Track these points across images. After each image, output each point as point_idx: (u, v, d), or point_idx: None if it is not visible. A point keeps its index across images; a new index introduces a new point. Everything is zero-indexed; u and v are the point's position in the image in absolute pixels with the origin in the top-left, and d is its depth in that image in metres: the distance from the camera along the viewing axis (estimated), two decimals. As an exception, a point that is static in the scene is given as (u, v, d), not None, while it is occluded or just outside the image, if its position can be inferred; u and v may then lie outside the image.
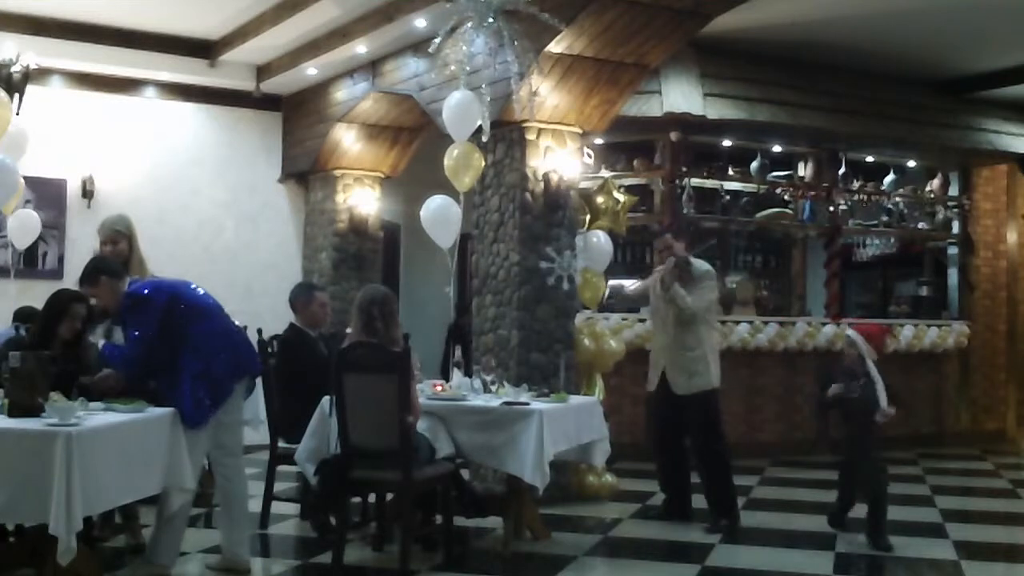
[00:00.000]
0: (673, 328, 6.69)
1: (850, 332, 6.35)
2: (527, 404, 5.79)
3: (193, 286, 5.31)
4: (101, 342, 5.52)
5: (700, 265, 6.81)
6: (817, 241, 10.73)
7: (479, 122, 6.71)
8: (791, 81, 9.98)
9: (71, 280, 5.46)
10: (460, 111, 6.68)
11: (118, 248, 5.84)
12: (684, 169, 9.65)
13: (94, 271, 5.07)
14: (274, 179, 10.78)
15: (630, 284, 7.49)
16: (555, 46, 6.99)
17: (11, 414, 4.41)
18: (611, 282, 7.41)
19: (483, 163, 6.96)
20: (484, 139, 6.82)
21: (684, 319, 6.62)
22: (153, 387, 5.04)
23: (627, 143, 9.77)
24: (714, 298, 6.85)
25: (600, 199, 7.82)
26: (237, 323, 5.52)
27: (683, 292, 6.59)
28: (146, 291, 5.05)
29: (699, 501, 6.80)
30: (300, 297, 6.72)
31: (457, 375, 6.46)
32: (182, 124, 10.35)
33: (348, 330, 5.85)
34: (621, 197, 7.89)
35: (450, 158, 6.77)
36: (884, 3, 8.42)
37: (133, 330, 5.00)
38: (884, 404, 6.10)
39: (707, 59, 9.55)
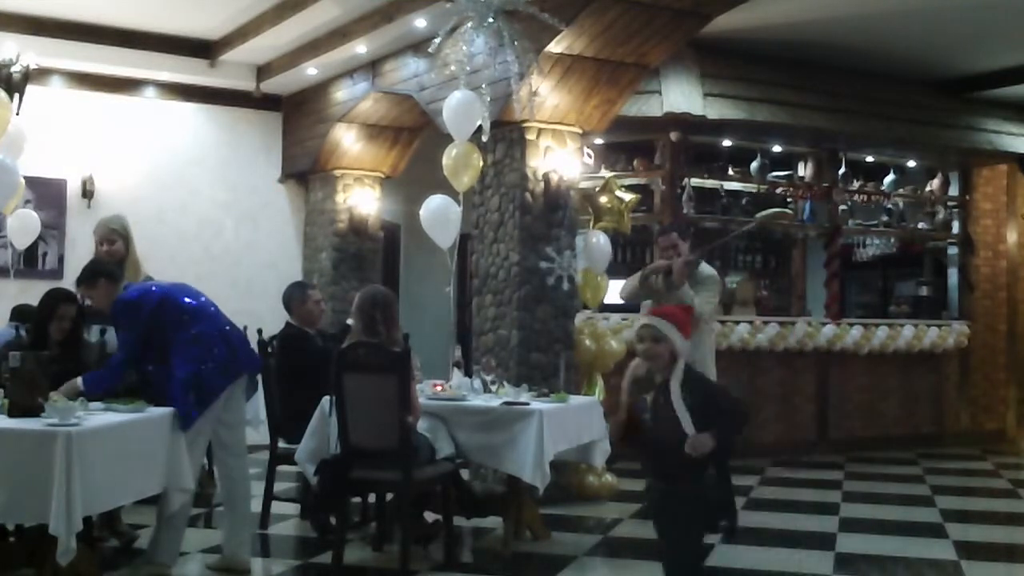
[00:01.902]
0: None
1: (652, 320, 4.12)
2: (527, 404, 5.79)
3: (186, 289, 5.32)
4: (95, 337, 5.53)
5: (704, 268, 6.73)
6: (817, 241, 10.73)
7: (479, 122, 6.72)
8: (791, 81, 9.98)
9: (71, 280, 5.47)
10: (461, 111, 6.67)
11: (114, 248, 5.84)
12: (684, 169, 9.65)
13: (93, 273, 5.08)
14: (274, 179, 10.78)
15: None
16: (555, 46, 6.99)
17: (11, 414, 4.41)
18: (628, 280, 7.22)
19: (482, 163, 6.96)
20: (484, 139, 6.82)
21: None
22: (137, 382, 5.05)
23: (627, 143, 9.77)
24: (716, 302, 6.76)
25: (604, 199, 7.81)
26: (237, 324, 5.51)
27: (692, 294, 6.50)
28: (134, 296, 5.07)
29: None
30: (294, 296, 6.72)
31: (457, 375, 6.46)
32: (182, 124, 10.35)
33: (349, 321, 5.86)
34: (625, 196, 7.88)
35: (449, 158, 6.76)
36: (884, 3, 8.42)
37: (121, 334, 5.04)
38: (690, 429, 3.91)
39: (707, 59, 9.55)
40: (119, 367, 5.02)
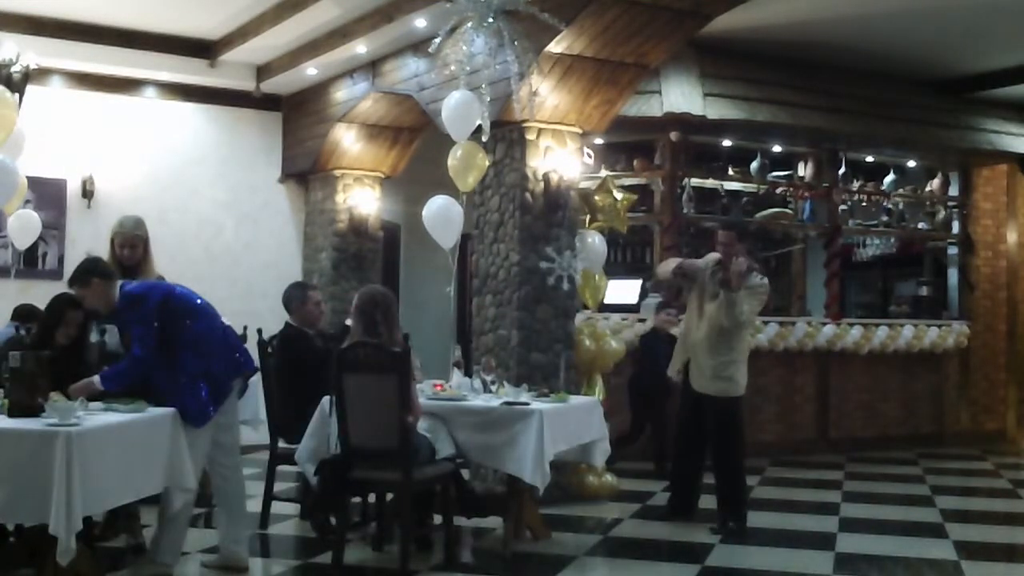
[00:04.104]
0: (710, 330, 6.54)
1: None
2: (527, 404, 5.79)
3: (186, 289, 5.32)
4: (95, 337, 5.52)
5: (755, 275, 6.64)
6: (817, 241, 10.73)
7: (478, 122, 6.71)
8: (791, 81, 9.98)
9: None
10: (459, 111, 6.67)
11: (136, 253, 5.82)
12: (684, 169, 9.65)
13: (85, 273, 5.06)
14: (274, 179, 10.78)
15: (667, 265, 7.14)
16: (555, 46, 6.99)
17: (11, 414, 4.41)
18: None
19: (487, 163, 6.95)
20: (484, 139, 6.82)
21: (729, 326, 6.49)
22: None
23: (627, 143, 9.77)
24: (759, 308, 6.71)
25: (598, 198, 7.81)
26: (237, 324, 5.51)
27: (743, 300, 6.44)
28: (141, 291, 5.06)
29: (705, 501, 6.80)
30: (294, 297, 6.71)
31: (457, 375, 6.46)
32: (182, 124, 10.34)
33: (348, 321, 5.86)
34: (620, 195, 7.89)
35: (454, 158, 6.76)
36: (884, 3, 8.42)
37: (136, 328, 5.00)
38: None
39: (707, 59, 9.55)
40: (138, 363, 4.95)
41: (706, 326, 6.59)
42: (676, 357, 6.85)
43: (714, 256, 6.69)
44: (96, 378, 4.91)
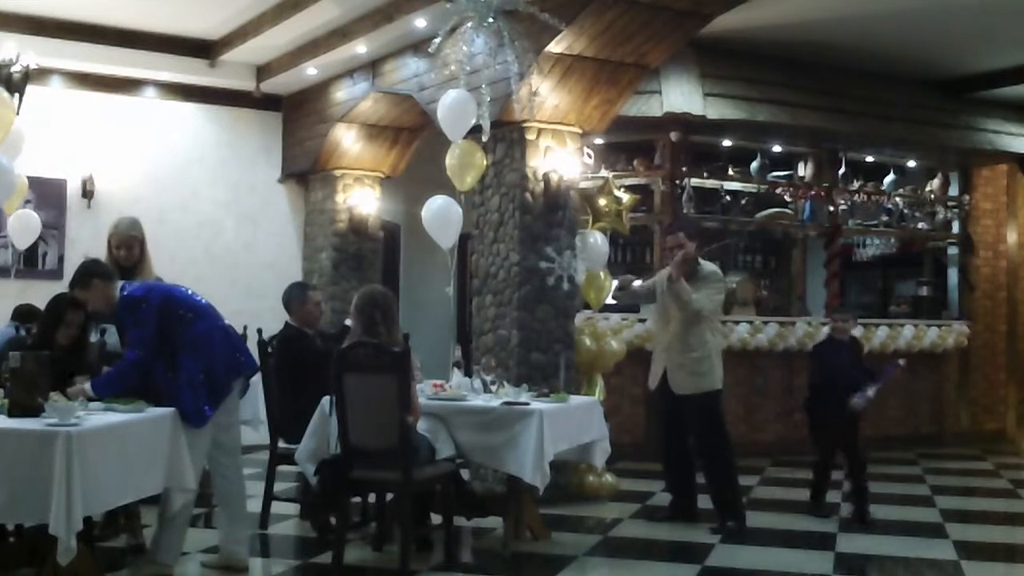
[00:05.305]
0: (676, 327, 6.66)
1: None
2: (527, 404, 5.79)
3: (186, 289, 5.33)
4: (95, 337, 5.52)
5: (707, 265, 6.78)
6: (817, 241, 10.73)
7: (474, 121, 6.71)
8: (791, 81, 9.98)
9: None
10: (455, 111, 6.68)
11: (133, 253, 5.82)
12: (684, 169, 9.65)
13: (86, 274, 5.06)
14: (274, 179, 10.78)
15: (638, 281, 7.36)
16: (555, 46, 6.99)
17: (11, 414, 4.41)
18: (618, 278, 7.36)
19: (485, 162, 6.95)
20: (484, 139, 6.82)
21: (688, 319, 6.58)
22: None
23: (627, 143, 9.77)
24: (720, 300, 6.81)
25: (602, 199, 7.81)
26: (237, 324, 5.51)
27: (687, 287, 6.54)
28: (141, 293, 5.06)
29: (705, 501, 6.80)
30: (294, 297, 6.72)
31: (457, 375, 6.46)
32: (182, 124, 10.34)
33: (348, 321, 5.87)
34: (623, 196, 7.89)
35: (452, 157, 6.76)
36: (884, 3, 8.42)
37: (132, 331, 5.00)
38: None
39: (707, 59, 9.55)
40: (133, 367, 4.94)
41: (672, 327, 6.69)
42: (653, 369, 6.87)
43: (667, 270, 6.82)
44: (87, 385, 4.88)
